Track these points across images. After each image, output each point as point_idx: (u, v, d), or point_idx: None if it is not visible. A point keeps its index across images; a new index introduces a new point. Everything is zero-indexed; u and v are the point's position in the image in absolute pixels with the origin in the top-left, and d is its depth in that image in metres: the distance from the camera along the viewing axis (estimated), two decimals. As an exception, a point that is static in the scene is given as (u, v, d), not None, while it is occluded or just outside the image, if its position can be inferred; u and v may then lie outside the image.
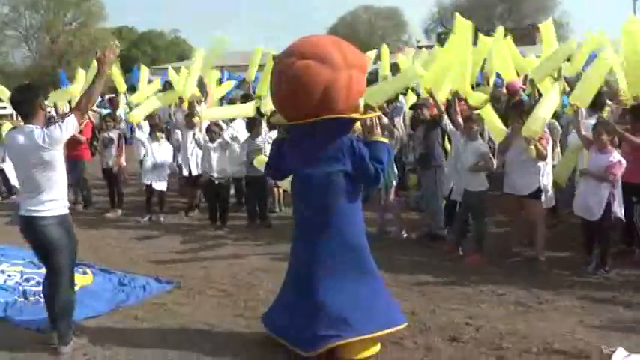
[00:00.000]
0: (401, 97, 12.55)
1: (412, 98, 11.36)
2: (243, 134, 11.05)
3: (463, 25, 9.10)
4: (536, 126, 7.78)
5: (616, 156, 7.53)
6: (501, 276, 7.69)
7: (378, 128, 4.83)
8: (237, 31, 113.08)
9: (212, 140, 10.52)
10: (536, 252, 8.17)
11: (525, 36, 40.52)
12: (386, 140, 4.86)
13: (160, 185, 11.29)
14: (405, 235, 9.58)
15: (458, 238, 8.72)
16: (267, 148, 9.28)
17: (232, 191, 11.83)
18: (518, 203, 8.23)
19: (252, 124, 10.66)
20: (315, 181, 5.12)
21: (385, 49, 14.67)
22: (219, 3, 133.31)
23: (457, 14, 9.55)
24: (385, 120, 9.23)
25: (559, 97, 8.19)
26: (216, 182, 10.56)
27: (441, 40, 47.15)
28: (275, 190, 11.45)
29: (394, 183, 9.46)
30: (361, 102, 4.94)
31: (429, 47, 40.26)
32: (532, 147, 7.74)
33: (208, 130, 10.66)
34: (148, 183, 11.23)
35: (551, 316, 6.43)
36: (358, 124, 5.68)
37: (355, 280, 5.26)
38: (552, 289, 7.18)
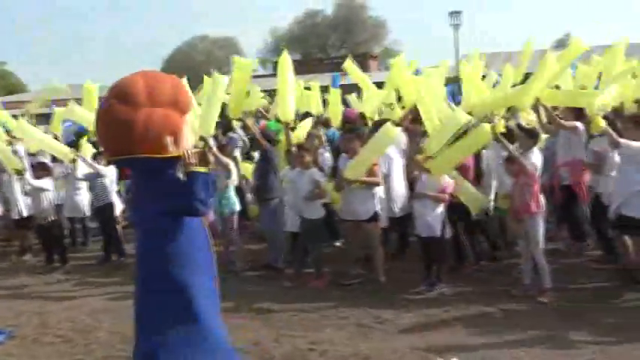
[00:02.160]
0: (238, 129, 12.57)
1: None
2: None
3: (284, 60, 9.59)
4: (358, 170, 8.22)
5: (447, 178, 8.00)
6: (343, 299, 7.87)
7: (192, 160, 4.68)
8: (70, 65, 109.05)
9: (39, 178, 10.12)
10: (376, 273, 8.45)
11: (358, 64, 41.89)
12: (202, 169, 4.72)
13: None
14: (248, 266, 9.57)
15: (299, 265, 8.85)
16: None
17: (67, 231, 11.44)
18: (357, 228, 8.49)
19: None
20: (139, 222, 4.95)
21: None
22: (50, 35, 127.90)
23: (285, 52, 9.89)
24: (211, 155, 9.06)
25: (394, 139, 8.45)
26: (45, 222, 10.12)
27: (277, 69, 48.14)
28: (115, 225, 11.10)
29: (228, 212, 9.41)
30: (168, 140, 4.72)
31: (265, 76, 40.95)
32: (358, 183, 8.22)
33: (34, 169, 10.25)
34: None
35: (392, 335, 6.66)
36: None
37: (177, 328, 4.94)
38: (392, 308, 7.43)
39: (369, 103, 11.84)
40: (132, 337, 4.86)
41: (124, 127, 4.61)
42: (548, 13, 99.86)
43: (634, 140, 7.48)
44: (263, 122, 11.67)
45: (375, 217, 8.43)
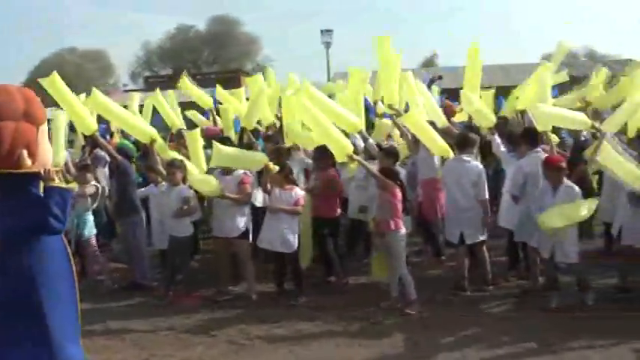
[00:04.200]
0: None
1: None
2: None
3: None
4: (204, 187, 8.36)
5: (300, 192, 8.25)
6: (213, 317, 7.82)
7: (53, 174, 4.55)
8: None
9: None
10: (248, 289, 8.47)
11: (231, 80, 41.79)
12: (61, 184, 4.59)
13: None
14: (115, 285, 9.31)
15: (168, 283, 8.69)
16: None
17: None
18: (227, 244, 8.48)
19: None
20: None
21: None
22: None
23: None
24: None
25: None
26: None
27: (148, 83, 47.24)
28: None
29: (87, 234, 9.13)
30: (24, 153, 4.58)
31: (136, 90, 40.11)
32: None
33: None
34: None
35: (262, 351, 6.70)
36: None
37: (27, 350, 4.76)
38: (263, 324, 7.46)
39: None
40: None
41: None
42: (414, 35, 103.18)
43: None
44: (114, 140, 11.44)
45: (245, 234, 8.45)
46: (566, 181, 7.58)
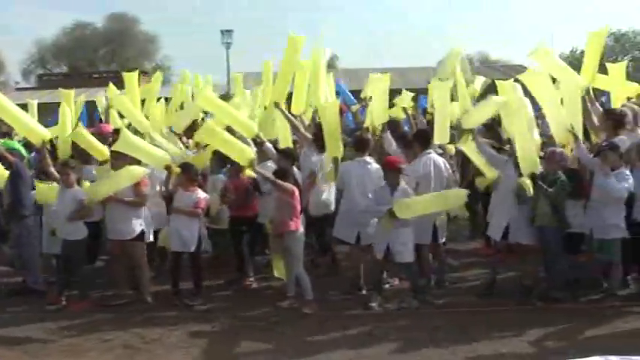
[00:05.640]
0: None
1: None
2: None
3: None
4: (98, 191, 8.24)
5: (201, 193, 8.27)
6: (108, 321, 7.66)
7: None
8: None
9: None
10: (142, 292, 8.34)
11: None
12: None
13: None
14: (5, 290, 8.97)
15: (61, 288, 8.41)
16: None
17: None
18: (121, 247, 8.33)
19: None
20: None
21: None
22: None
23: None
24: None
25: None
26: None
27: (42, 81, 45.73)
28: None
29: None
30: None
31: (29, 89, 38.80)
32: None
33: None
34: None
35: (158, 354, 6.65)
36: None
37: None
38: (159, 327, 7.39)
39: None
40: None
41: None
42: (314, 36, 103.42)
43: None
44: None
45: (140, 237, 8.32)
46: (403, 183, 7.89)
